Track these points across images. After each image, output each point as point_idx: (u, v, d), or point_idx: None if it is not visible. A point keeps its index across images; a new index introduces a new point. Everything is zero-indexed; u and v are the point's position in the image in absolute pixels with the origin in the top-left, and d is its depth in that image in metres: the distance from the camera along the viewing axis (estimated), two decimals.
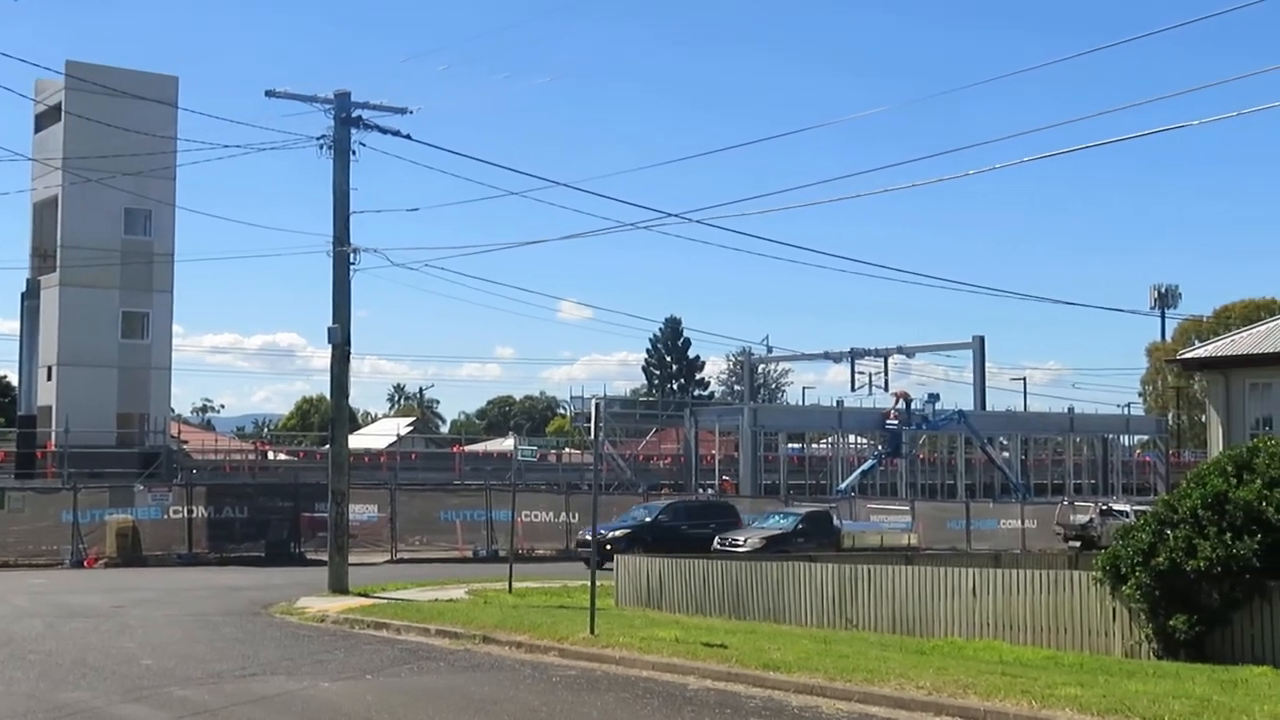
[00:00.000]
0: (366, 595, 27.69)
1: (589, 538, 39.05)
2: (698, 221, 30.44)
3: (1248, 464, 18.06)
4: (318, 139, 28.91)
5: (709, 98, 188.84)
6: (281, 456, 79.50)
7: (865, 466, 74.59)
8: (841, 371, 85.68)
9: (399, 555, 42.21)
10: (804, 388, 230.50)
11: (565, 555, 43.34)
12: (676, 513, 43.35)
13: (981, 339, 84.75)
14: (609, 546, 38.48)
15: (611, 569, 27.70)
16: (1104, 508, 54.77)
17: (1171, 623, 17.44)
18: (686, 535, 40.64)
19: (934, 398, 77.10)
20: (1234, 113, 22.78)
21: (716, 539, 44.34)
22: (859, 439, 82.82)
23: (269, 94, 28.68)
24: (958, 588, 20.83)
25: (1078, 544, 48.41)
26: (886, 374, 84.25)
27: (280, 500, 43.23)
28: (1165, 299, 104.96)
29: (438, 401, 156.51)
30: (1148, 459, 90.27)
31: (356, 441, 71.35)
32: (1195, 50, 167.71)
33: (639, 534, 38.59)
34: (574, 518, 45.94)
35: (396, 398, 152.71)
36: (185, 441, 73.14)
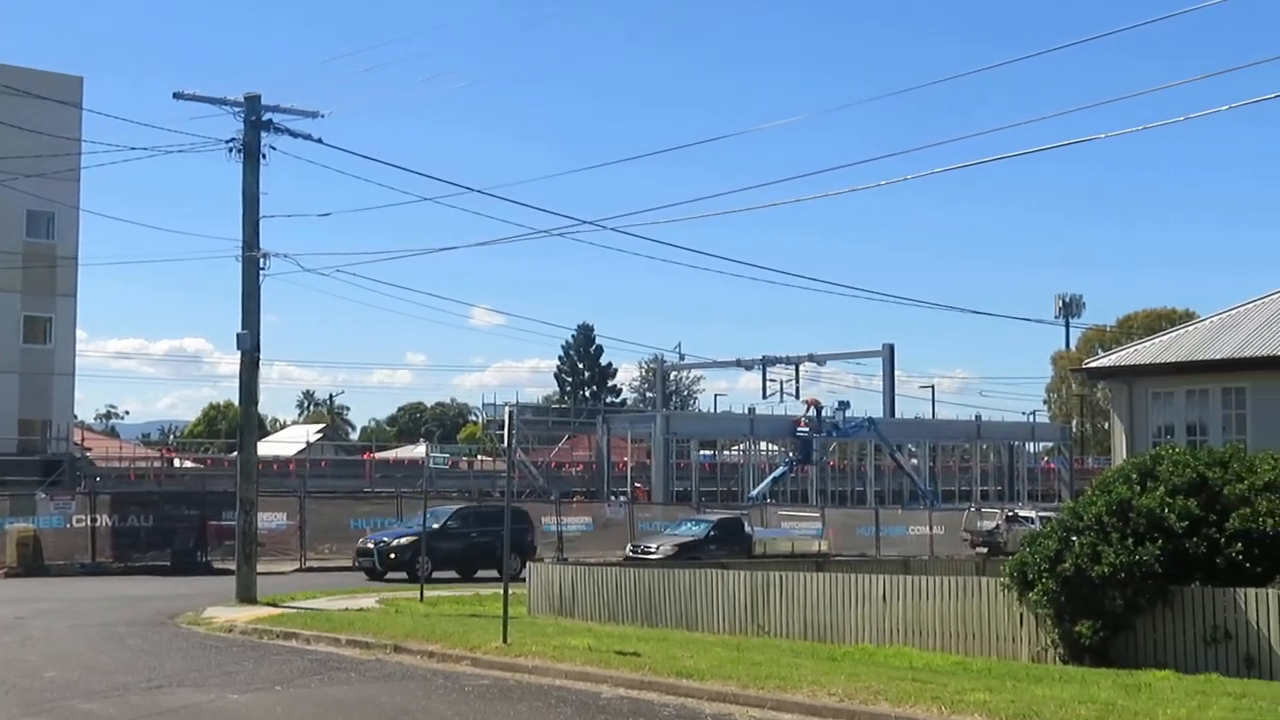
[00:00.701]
0: (275, 605, 27.35)
1: (370, 545, 38.06)
2: (612, 229, 30.49)
3: (1151, 472, 18.42)
4: (227, 142, 28.57)
5: (635, 101, 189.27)
6: (188, 464, 78.36)
7: (776, 473, 75.09)
8: (753, 379, 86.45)
9: (308, 564, 41.78)
10: (716, 395, 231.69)
11: None
12: (465, 519, 40.50)
13: (891, 347, 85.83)
14: (392, 556, 37.22)
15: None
16: (1010, 514, 55.60)
17: (1077, 628, 17.72)
18: (475, 543, 38.72)
19: (844, 405, 77.90)
20: (1138, 127, 23.25)
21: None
22: (770, 446, 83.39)
23: (177, 96, 28.33)
24: (868, 594, 21.02)
25: (985, 550, 49.03)
26: (798, 381, 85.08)
27: (187, 508, 42.53)
28: (1070, 308, 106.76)
29: (348, 408, 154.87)
30: (1052, 466, 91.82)
31: (265, 448, 70.44)
32: (1106, 60, 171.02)
33: (426, 542, 33.79)
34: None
35: (306, 404, 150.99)
36: (89, 449, 71.81)
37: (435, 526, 38.50)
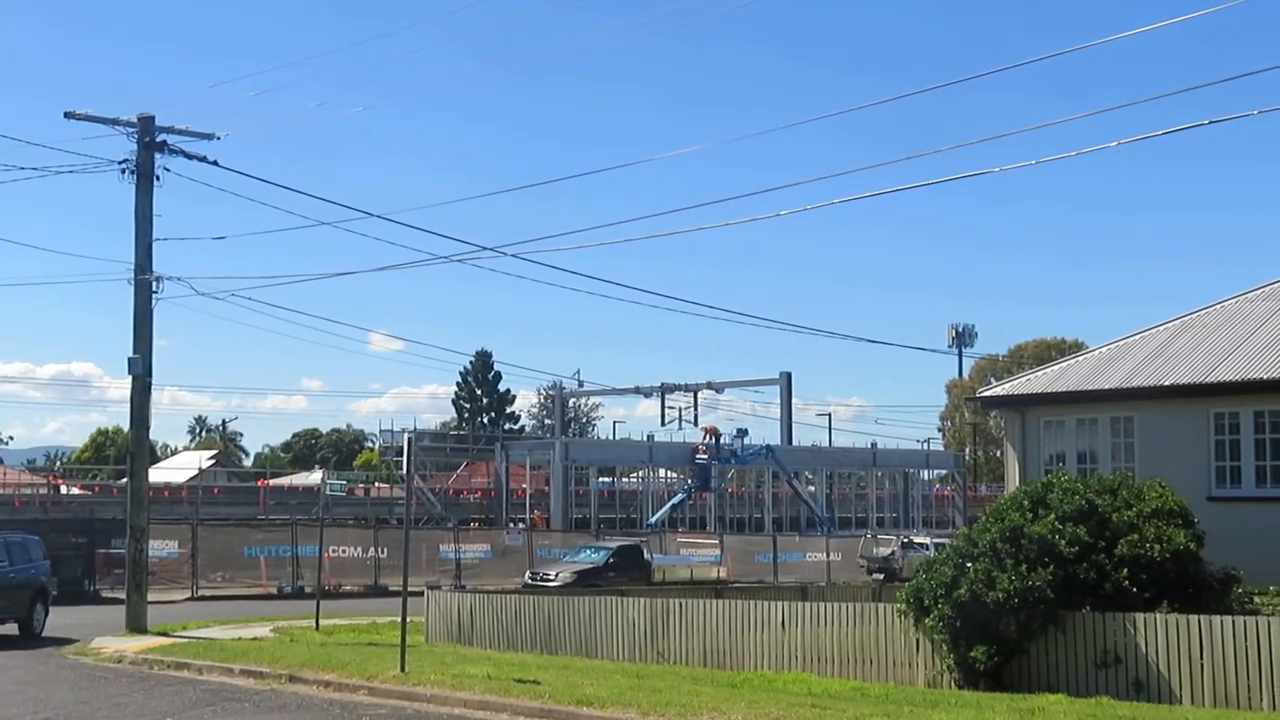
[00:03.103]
0: (166, 634, 26.80)
1: None
2: (512, 255, 30.47)
3: (1042, 499, 18.77)
4: (120, 163, 28.09)
5: (534, 129, 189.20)
6: (75, 491, 76.49)
7: (675, 500, 75.23)
8: (652, 406, 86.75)
9: (200, 593, 41.03)
10: (615, 422, 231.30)
11: (374, 592, 42.69)
12: None
13: (788, 375, 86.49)
14: None
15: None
16: (905, 540, 56.26)
17: (972, 653, 17.97)
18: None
19: (742, 433, 78.33)
20: (1032, 161, 23.76)
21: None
22: (669, 473, 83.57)
23: (69, 115, 27.79)
24: (767, 621, 21.14)
25: (881, 576, 49.55)
26: (696, 409, 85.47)
27: (74, 536, 41.53)
28: (962, 338, 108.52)
29: (241, 434, 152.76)
30: (946, 493, 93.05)
31: (156, 475, 69.08)
32: (998, 96, 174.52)
33: None
34: (383, 553, 45.29)
35: (198, 430, 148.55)
36: None
37: None
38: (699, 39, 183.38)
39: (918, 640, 19.14)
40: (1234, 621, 16.67)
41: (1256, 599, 19.24)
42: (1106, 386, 24.05)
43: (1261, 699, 16.11)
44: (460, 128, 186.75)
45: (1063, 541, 17.77)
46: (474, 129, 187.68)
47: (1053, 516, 18.18)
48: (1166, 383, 23.22)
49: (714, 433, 76.10)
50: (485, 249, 30.64)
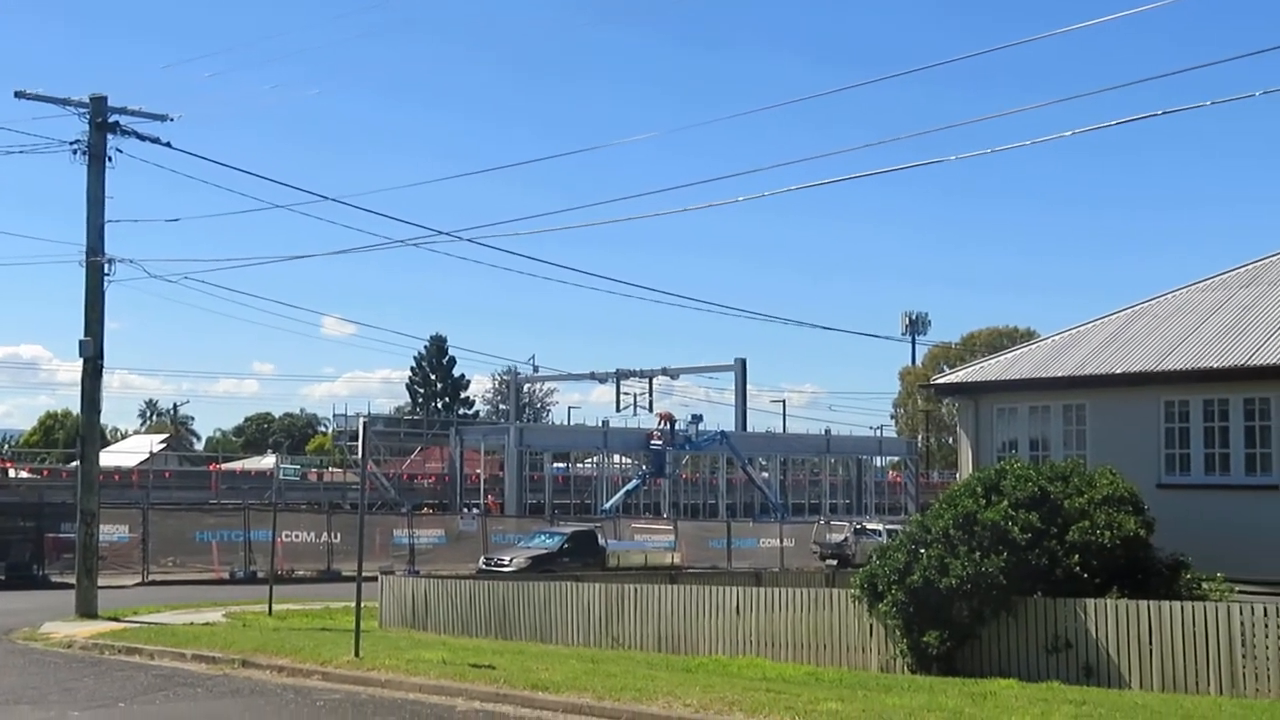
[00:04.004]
0: (117, 619, 26.61)
1: None
2: (467, 240, 30.39)
3: (995, 486, 18.93)
4: (71, 144, 27.82)
5: (490, 115, 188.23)
6: (24, 474, 75.78)
7: (630, 486, 75.34)
8: (607, 392, 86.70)
9: (151, 577, 40.71)
10: (569, 408, 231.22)
11: (327, 577, 42.51)
12: None
13: (743, 361, 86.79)
14: None
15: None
16: (858, 527, 56.62)
17: (925, 638, 18.11)
18: None
19: (697, 419, 78.53)
20: (989, 149, 23.90)
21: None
22: (624, 459, 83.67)
23: (19, 95, 27.53)
24: (721, 606, 21.23)
25: (834, 562, 49.81)
26: (651, 395, 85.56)
27: (22, 520, 41.05)
28: (916, 325, 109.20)
29: (192, 418, 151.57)
30: (899, 479, 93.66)
31: (106, 459, 68.47)
32: (953, 87, 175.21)
33: None
34: (336, 538, 45.12)
35: (149, 414, 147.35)
36: None
37: None
38: (645, 26, 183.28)
39: (871, 625, 19.28)
40: (1182, 607, 16.89)
41: (1205, 585, 19.47)
42: (1059, 374, 24.24)
43: (1209, 683, 16.34)
44: (419, 113, 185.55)
45: (1015, 528, 17.93)
46: (434, 115, 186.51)
47: (1005, 503, 18.33)
48: (1118, 371, 23.43)
49: (669, 419, 76.23)
50: (442, 233, 30.57)
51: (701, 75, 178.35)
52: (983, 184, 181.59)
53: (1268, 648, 16.04)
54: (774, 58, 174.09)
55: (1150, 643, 16.86)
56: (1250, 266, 26.12)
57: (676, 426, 75.70)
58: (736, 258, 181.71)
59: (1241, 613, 16.36)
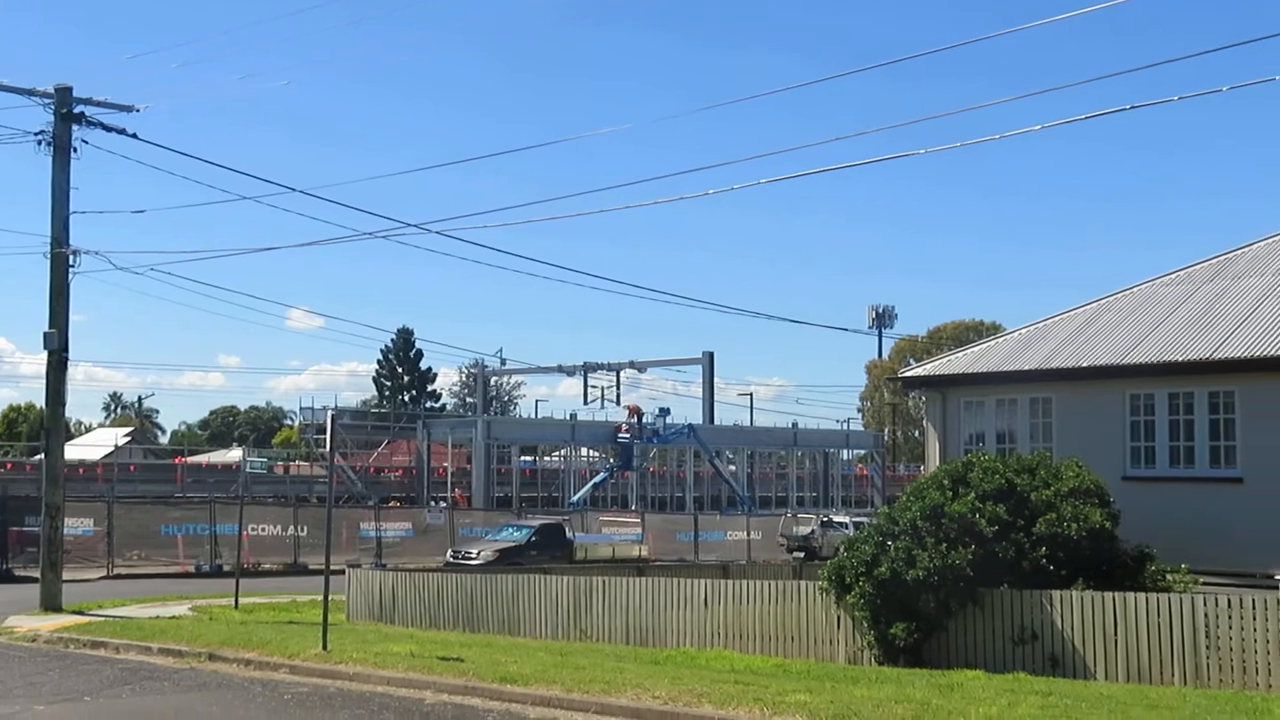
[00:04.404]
0: (82, 613, 26.44)
1: None
2: (436, 232, 30.33)
3: (963, 478, 19.03)
4: (36, 134, 27.58)
5: (460, 106, 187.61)
6: None
7: (597, 479, 75.39)
8: (574, 385, 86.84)
9: (116, 571, 40.45)
10: (537, 401, 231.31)
11: (294, 570, 42.37)
12: None
13: (711, 355, 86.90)
14: None
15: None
16: (825, 519, 56.80)
17: (892, 630, 18.20)
18: None
19: (664, 412, 78.67)
20: (958, 144, 24.00)
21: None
22: (591, 452, 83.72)
23: None
24: (690, 598, 21.27)
25: (801, 555, 49.98)
26: (619, 388, 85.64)
27: None
28: (882, 319, 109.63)
29: (157, 411, 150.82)
30: (866, 472, 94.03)
31: (70, 452, 67.88)
32: (922, 80, 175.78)
33: None
34: (303, 531, 44.95)
35: (113, 407, 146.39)
36: None
37: None
38: (616, 19, 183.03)
39: (839, 617, 19.35)
40: (1147, 598, 17.02)
41: (1169, 577, 19.64)
42: (1026, 368, 24.38)
43: (1174, 674, 16.47)
44: (390, 104, 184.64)
45: (983, 520, 18.02)
46: (406, 106, 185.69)
47: (973, 495, 18.42)
48: (1084, 364, 23.59)
49: (636, 412, 76.33)
50: (410, 225, 30.55)
51: (678, 68, 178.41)
52: (950, 178, 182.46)
53: (1231, 639, 16.19)
54: (747, 51, 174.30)
55: (1115, 634, 16.98)
56: (1215, 260, 26.33)
57: (644, 420, 75.80)
58: (704, 251, 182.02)
59: (1205, 604, 16.50)
